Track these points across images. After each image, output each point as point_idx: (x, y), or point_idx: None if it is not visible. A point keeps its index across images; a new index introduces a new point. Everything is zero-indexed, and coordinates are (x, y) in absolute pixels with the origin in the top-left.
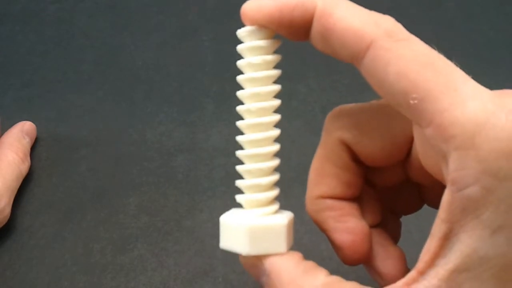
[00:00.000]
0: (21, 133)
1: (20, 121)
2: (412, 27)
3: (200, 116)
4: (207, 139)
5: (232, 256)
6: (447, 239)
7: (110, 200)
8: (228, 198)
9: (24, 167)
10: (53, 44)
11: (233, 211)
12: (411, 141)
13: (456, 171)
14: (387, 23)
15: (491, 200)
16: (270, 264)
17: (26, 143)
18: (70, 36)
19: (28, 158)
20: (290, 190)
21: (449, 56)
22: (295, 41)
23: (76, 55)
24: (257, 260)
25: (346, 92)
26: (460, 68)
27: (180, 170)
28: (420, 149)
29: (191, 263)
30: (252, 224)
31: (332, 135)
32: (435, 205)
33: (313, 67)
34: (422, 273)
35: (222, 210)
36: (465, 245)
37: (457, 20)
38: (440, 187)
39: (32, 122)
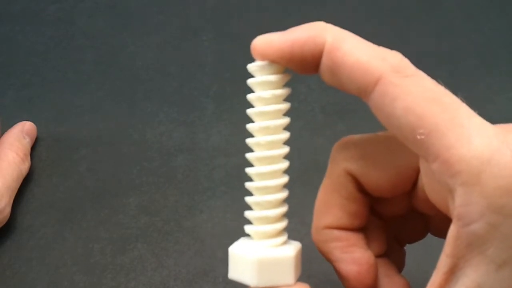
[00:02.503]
0: (21, 133)
1: (20, 121)
2: (412, 27)
3: (200, 116)
4: (207, 139)
5: None
6: (452, 274)
7: (110, 200)
8: (228, 198)
9: (25, 167)
10: (53, 44)
11: (242, 241)
12: (417, 173)
13: (462, 207)
14: (394, 58)
15: (496, 236)
16: None
17: (27, 143)
18: (70, 36)
19: (29, 158)
20: (291, 191)
21: (449, 56)
22: (303, 74)
23: (76, 55)
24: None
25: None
26: (460, 69)
27: (180, 170)
28: (426, 182)
29: (191, 263)
30: (260, 256)
31: (339, 165)
32: (440, 234)
33: None
34: None
35: (222, 210)
36: (470, 279)
37: (457, 20)
38: (445, 218)
39: (32, 122)
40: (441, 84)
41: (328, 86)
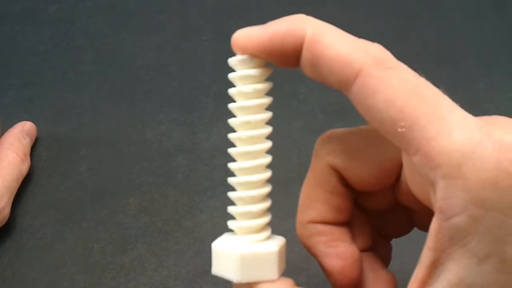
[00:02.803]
0: (21, 133)
1: (20, 121)
2: (412, 27)
3: (200, 116)
4: (207, 139)
5: None
6: (434, 268)
7: (110, 200)
8: (228, 198)
9: (24, 167)
10: (53, 44)
11: (225, 237)
12: (400, 166)
13: (443, 200)
14: (375, 51)
15: (478, 229)
16: None
17: (27, 143)
18: (70, 36)
19: (28, 158)
20: (290, 190)
21: (449, 56)
22: (284, 68)
23: (76, 55)
24: (249, 287)
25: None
26: (460, 69)
27: (180, 170)
28: (408, 176)
29: (191, 263)
30: (243, 251)
31: (322, 160)
32: (425, 228)
33: None
34: None
35: (222, 210)
36: (452, 273)
37: (457, 20)
38: (429, 212)
39: (32, 122)
40: (423, 76)
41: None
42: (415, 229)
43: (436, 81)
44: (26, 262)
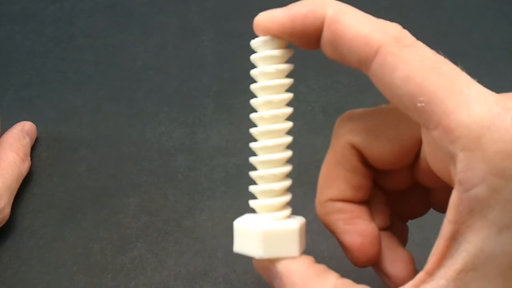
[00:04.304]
0: (22, 133)
1: (20, 121)
2: (412, 27)
3: (200, 116)
4: (207, 139)
5: (232, 256)
6: (454, 240)
7: (110, 200)
8: (228, 198)
9: (24, 167)
10: (53, 44)
11: (247, 216)
12: (419, 144)
13: (463, 172)
14: (394, 29)
15: (497, 199)
16: (283, 267)
17: (26, 143)
18: (70, 36)
19: (29, 158)
20: (290, 191)
21: (449, 56)
22: (306, 49)
23: (76, 55)
24: (270, 263)
25: (346, 92)
26: (461, 68)
27: (180, 170)
28: (428, 151)
29: (191, 263)
30: (265, 228)
31: (342, 138)
32: (442, 209)
33: (313, 67)
34: (430, 274)
35: (222, 210)
36: (472, 244)
37: (457, 20)
38: (447, 191)
39: (32, 122)
40: (441, 54)
41: (328, 86)
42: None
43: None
44: (26, 262)
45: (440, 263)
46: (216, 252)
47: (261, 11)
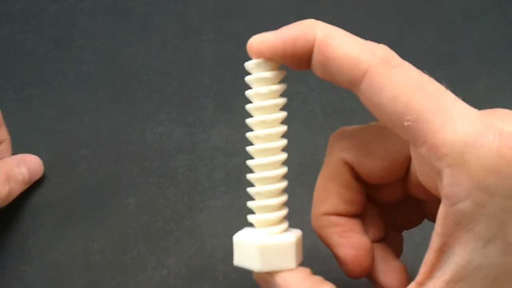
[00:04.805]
0: (18, 161)
1: (20, 121)
2: (412, 27)
3: (200, 116)
4: (207, 139)
5: (232, 256)
6: (442, 252)
7: (110, 200)
8: (228, 198)
9: (4, 191)
10: (53, 44)
11: (246, 230)
12: (409, 159)
13: (449, 187)
14: (381, 51)
15: (482, 213)
16: (281, 278)
17: (20, 171)
18: (70, 36)
19: (11, 184)
20: (290, 191)
21: (449, 56)
22: (298, 70)
23: (76, 55)
24: (269, 276)
25: (346, 92)
26: (460, 69)
27: (180, 170)
28: (417, 167)
29: (191, 262)
30: (263, 242)
31: (335, 155)
32: (435, 219)
33: None
34: (421, 284)
35: (222, 210)
36: (459, 257)
37: (457, 20)
38: (438, 202)
39: (32, 122)
40: (426, 73)
41: (328, 86)
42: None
43: (436, 81)
44: (26, 262)
45: (430, 274)
46: (216, 252)
47: (261, 11)
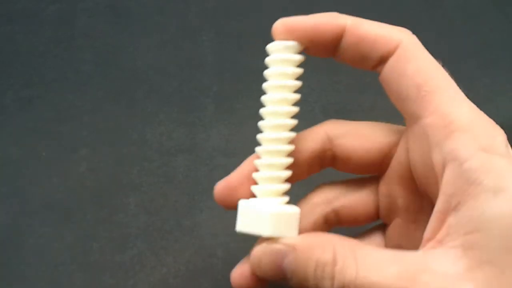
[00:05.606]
0: None
1: (20, 121)
2: (413, 27)
3: (200, 116)
4: (207, 139)
5: (232, 255)
6: (455, 210)
7: (110, 200)
8: None
9: None
10: (53, 44)
11: (251, 200)
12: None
13: (457, 149)
14: (407, 30)
15: (489, 168)
16: (297, 238)
17: None
18: (70, 36)
19: None
20: (291, 191)
21: (449, 57)
22: (318, 56)
23: (76, 55)
24: (272, 241)
25: (346, 92)
26: (460, 69)
27: (180, 170)
28: (411, 147)
29: (191, 261)
30: (274, 210)
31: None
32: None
33: (313, 67)
34: (440, 241)
35: (222, 210)
36: (473, 209)
37: (457, 20)
38: (412, 197)
39: (32, 122)
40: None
41: (328, 86)
42: None
43: None
44: (26, 262)
45: (446, 231)
46: (216, 251)
47: (261, 11)
